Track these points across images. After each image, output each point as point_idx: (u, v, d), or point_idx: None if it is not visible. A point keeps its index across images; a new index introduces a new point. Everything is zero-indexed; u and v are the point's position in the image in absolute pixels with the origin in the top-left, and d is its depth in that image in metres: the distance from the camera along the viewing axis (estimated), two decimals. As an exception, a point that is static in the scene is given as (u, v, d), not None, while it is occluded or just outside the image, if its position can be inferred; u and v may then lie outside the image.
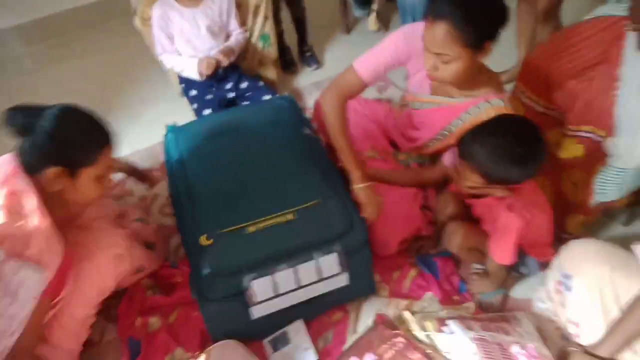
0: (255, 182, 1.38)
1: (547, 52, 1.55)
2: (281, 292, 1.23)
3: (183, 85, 2.09)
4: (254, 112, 1.66)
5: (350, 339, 1.34)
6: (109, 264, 1.28)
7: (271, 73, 2.30)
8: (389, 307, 1.41)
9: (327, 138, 1.73)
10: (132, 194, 1.89)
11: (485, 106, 1.32)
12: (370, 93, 2.28)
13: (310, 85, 2.40)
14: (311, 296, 1.27)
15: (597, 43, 1.40)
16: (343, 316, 1.44)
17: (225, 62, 1.95)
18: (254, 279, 1.20)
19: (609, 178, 1.34)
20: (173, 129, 1.65)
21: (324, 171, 1.44)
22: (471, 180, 1.26)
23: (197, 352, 1.35)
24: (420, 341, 1.18)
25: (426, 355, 1.13)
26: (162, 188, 1.90)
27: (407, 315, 1.26)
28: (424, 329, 1.20)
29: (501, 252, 1.31)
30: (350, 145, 1.39)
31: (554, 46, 1.54)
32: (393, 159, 1.71)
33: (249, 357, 1.28)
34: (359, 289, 1.42)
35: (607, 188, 1.35)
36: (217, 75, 2.01)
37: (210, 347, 1.33)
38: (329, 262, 1.25)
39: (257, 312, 1.24)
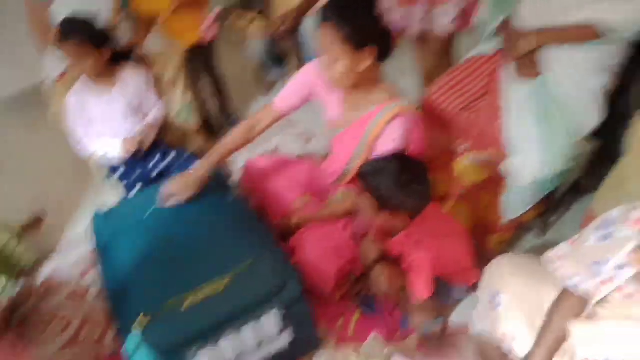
0: (186, 254, 1.40)
1: (441, 89, 1.70)
2: (233, 356, 1.24)
3: (109, 168, 2.08)
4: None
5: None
6: None
7: (197, 142, 2.34)
8: (337, 357, 1.42)
9: (258, 200, 1.78)
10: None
11: (385, 111, 1.41)
12: (296, 145, 2.38)
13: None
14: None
15: (479, 78, 1.56)
16: (292, 374, 1.43)
17: (147, 141, 1.97)
18: (199, 349, 1.20)
19: (511, 196, 1.46)
20: (99, 215, 1.64)
21: (253, 231, 1.48)
22: (371, 210, 1.34)
23: None
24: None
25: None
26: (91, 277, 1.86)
27: (352, 358, 1.29)
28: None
29: (420, 288, 1.37)
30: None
31: (445, 83, 1.69)
32: (320, 204, 1.76)
33: None
34: (304, 346, 1.43)
35: (511, 205, 1.47)
36: (140, 154, 2.02)
37: None
38: (270, 318, 1.27)
39: None
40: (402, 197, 1.31)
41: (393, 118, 1.40)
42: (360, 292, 1.63)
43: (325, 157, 1.97)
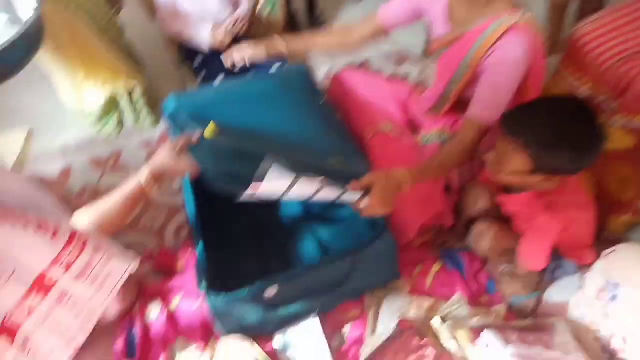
0: (273, 138, 1.21)
1: (596, 30, 1.39)
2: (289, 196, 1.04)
3: (184, 53, 1.88)
4: (267, 80, 1.49)
5: (369, 341, 1.22)
6: None
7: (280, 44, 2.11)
8: (412, 306, 1.29)
9: (343, 113, 1.60)
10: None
11: (501, 22, 1.17)
12: (387, 64, 2.13)
13: (322, 55, 2.21)
14: (320, 198, 1.08)
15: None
16: (360, 314, 1.31)
17: (235, 32, 1.75)
18: (277, 162, 0.96)
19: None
20: (176, 97, 1.46)
21: (343, 135, 1.32)
22: (514, 165, 1.11)
23: (203, 345, 1.24)
24: (452, 354, 1.06)
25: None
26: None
27: (436, 323, 1.14)
28: (455, 339, 1.08)
29: (533, 257, 1.19)
30: None
31: (603, 24, 1.39)
32: (410, 137, 1.56)
33: (258, 355, 1.17)
34: (382, 273, 1.30)
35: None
36: (225, 45, 1.81)
37: (217, 341, 1.22)
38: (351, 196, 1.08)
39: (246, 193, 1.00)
40: (571, 157, 1.05)
41: (510, 30, 1.15)
42: (444, 244, 1.47)
43: (418, 85, 1.75)
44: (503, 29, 1.15)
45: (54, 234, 0.74)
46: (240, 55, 1.51)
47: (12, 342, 0.73)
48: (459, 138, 1.26)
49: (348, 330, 1.28)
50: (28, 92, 1.96)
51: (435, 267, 1.41)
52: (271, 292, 1.09)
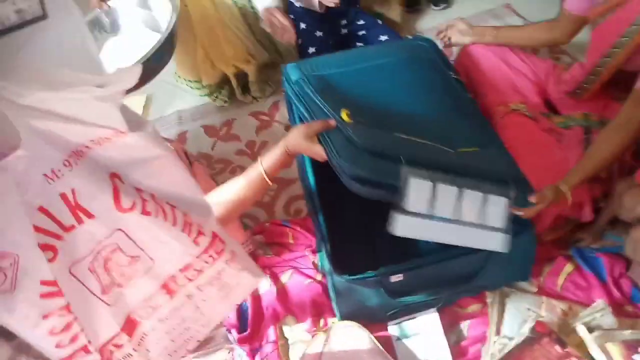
0: (399, 114, 1.14)
1: None
2: (435, 212, 0.96)
3: (291, 16, 1.82)
4: (391, 50, 1.38)
5: (493, 342, 1.13)
6: None
7: (394, 11, 1.99)
8: (542, 308, 1.17)
9: (472, 90, 1.47)
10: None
11: None
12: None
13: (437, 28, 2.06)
14: (461, 242, 1.00)
15: None
16: (481, 309, 1.22)
17: None
18: (414, 175, 0.93)
19: None
20: (297, 66, 1.40)
21: (476, 119, 1.19)
22: None
23: (312, 325, 1.22)
24: (602, 369, 0.94)
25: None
26: (271, 134, 1.74)
27: (582, 331, 1.02)
28: (603, 353, 0.95)
29: None
30: None
31: None
32: (546, 119, 1.40)
33: (373, 343, 1.12)
34: (511, 273, 1.18)
35: None
36: (335, 9, 1.73)
37: (330, 326, 1.19)
38: (496, 206, 0.98)
39: (400, 224, 0.94)
40: None
41: None
42: (578, 242, 1.31)
43: (558, 63, 1.56)
44: None
45: (198, 235, 0.69)
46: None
47: (131, 337, 0.71)
48: (622, 119, 1.09)
49: (467, 326, 1.19)
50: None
51: (568, 268, 1.26)
52: (397, 278, 1.03)
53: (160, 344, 0.74)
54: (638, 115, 1.07)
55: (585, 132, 1.33)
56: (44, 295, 0.60)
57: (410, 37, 1.50)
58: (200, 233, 0.70)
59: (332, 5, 1.64)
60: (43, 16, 0.58)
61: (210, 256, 0.71)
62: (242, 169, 1.65)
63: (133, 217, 0.63)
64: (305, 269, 1.34)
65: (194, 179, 0.71)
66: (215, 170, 1.66)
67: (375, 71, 1.26)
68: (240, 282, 0.75)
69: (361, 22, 1.82)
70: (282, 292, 1.30)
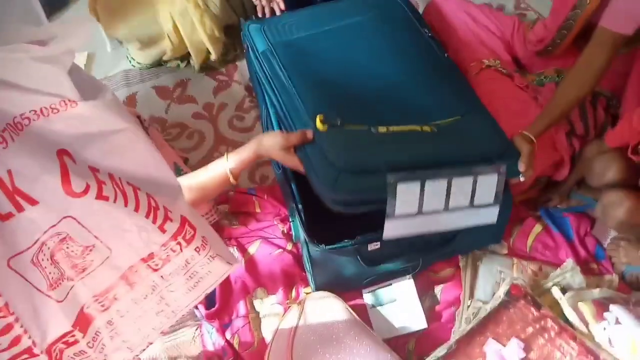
0: (374, 87, 1.08)
1: None
2: (425, 209, 0.93)
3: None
4: (359, 6, 1.29)
5: (467, 306, 1.13)
6: None
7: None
8: (513, 269, 1.18)
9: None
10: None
11: None
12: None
13: None
14: (454, 227, 0.99)
15: None
16: (454, 273, 1.21)
17: None
18: (400, 180, 0.88)
19: None
20: (255, 22, 1.30)
21: (455, 81, 1.13)
22: None
23: (284, 297, 1.17)
24: (575, 328, 0.96)
25: (588, 350, 0.91)
26: (230, 96, 1.62)
27: (555, 292, 1.03)
28: (577, 312, 0.97)
29: None
30: None
31: None
32: (520, 76, 1.38)
33: (349, 313, 1.09)
34: (485, 237, 1.18)
35: None
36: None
37: (304, 297, 1.15)
38: (487, 185, 0.95)
39: (389, 230, 0.93)
40: None
41: None
42: (547, 202, 1.32)
43: (521, 20, 1.53)
44: None
45: (164, 221, 0.61)
46: None
47: (85, 333, 0.62)
48: (584, 59, 1.09)
49: (440, 290, 1.19)
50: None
51: (537, 228, 1.27)
52: (374, 247, 0.99)
53: (118, 339, 0.66)
54: (599, 54, 1.07)
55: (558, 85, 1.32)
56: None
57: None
58: (167, 218, 0.61)
59: None
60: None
61: (178, 244, 0.63)
62: (199, 133, 1.54)
63: (86, 202, 0.54)
64: (274, 238, 1.27)
65: (160, 154, 0.61)
66: (170, 136, 1.53)
67: (346, 33, 1.18)
68: (212, 269, 0.68)
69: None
70: (251, 264, 1.23)
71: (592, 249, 1.25)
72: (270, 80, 1.10)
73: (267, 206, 1.34)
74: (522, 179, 0.98)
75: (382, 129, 0.95)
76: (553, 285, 1.07)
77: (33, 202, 0.52)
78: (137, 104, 1.63)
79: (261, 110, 1.31)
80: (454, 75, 1.14)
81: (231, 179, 0.94)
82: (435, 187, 0.91)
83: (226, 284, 1.21)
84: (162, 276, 0.64)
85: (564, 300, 0.99)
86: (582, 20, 1.21)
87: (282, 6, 1.40)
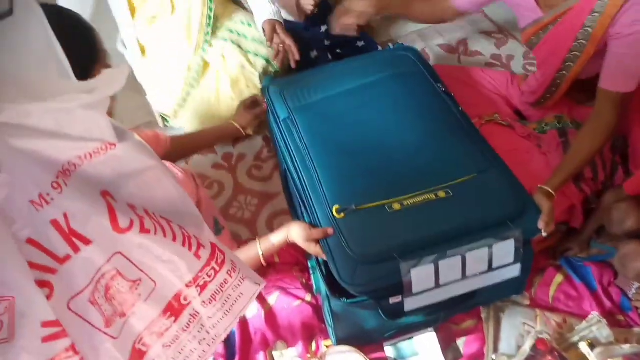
0: (389, 151, 1.11)
1: None
2: (442, 283, 0.96)
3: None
4: (373, 64, 1.35)
5: (491, 359, 1.10)
6: None
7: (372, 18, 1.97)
8: (537, 321, 1.16)
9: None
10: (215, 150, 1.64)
11: None
12: (487, 48, 1.93)
13: (413, 35, 2.05)
14: (475, 288, 1.02)
15: None
16: (476, 325, 1.19)
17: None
18: (414, 267, 0.92)
19: None
20: (273, 82, 1.36)
21: (471, 137, 1.15)
22: None
23: (307, 355, 1.16)
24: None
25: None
26: (249, 147, 1.66)
27: (584, 348, 1.01)
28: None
29: None
30: None
31: None
32: (522, 126, 1.40)
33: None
34: (507, 288, 1.16)
35: None
36: (312, 16, 1.68)
37: (325, 351, 1.13)
38: (504, 250, 0.96)
39: (410, 304, 0.98)
40: None
41: None
42: (567, 251, 1.31)
43: (515, 74, 1.59)
44: None
45: (198, 248, 0.64)
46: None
47: None
48: (594, 117, 1.14)
49: (463, 343, 1.17)
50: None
51: (559, 278, 1.26)
52: (395, 299, 0.99)
53: None
54: (608, 111, 1.12)
55: (561, 134, 1.36)
56: (46, 339, 0.52)
57: (391, 45, 1.46)
58: (200, 246, 0.64)
59: (308, 11, 1.60)
60: (9, 11, 0.49)
61: (213, 269, 0.66)
62: (219, 184, 1.57)
63: (132, 237, 0.57)
64: (293, 289, 1.28)
65: (183, 189, 0.65)
66: (191, 186, 1.57)
67: (362, 94, 1.23)
68: (243, 291, 0.70)
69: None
70: (270, 316, 1.23)
71: (618, 300, 1.22)
72: (291, 153, 1.16)
73: (285, 255, 1.34)
74: (544, 234, 0.99)
75: (396, 206, 0.99)
76: (580, 339, 1.04)
77: (87, 242, 0.54)
78: (159, 155, 1.67)
79: (280, 163, 1.35)
80: (470, 130, 1.17)
81: (263, 262, 1.05)
82: (450, 263, 0.94)
83: (246, 335, 1.20)
84: (202, 302, 0.66)
85: (592, 357, 0.97)
86: (569, 79, 1.27)
87: (297, 57, 1.45)
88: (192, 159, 1.64)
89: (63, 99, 0.51)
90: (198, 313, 0.66)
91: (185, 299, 0.64)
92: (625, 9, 1.06)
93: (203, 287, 0.65)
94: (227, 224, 1.36)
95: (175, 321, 0.65)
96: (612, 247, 1.25)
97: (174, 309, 0.64)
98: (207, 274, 0.65)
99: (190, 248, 0.63)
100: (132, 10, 1.47)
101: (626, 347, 1.00)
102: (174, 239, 0.61)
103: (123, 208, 0.57)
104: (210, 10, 1.53)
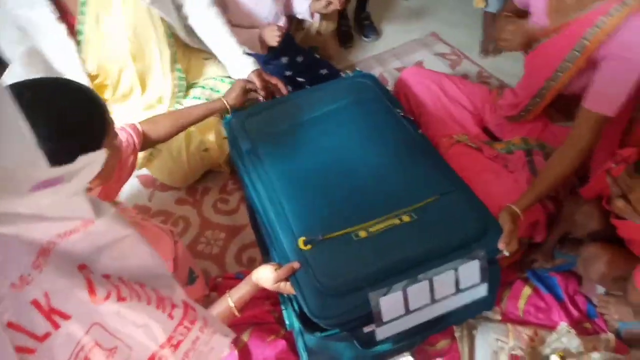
0: (353, 178, 1.12)
1: None
2: (412, 308, 0.97)
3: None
4: (332, 92, 1.36)
5: (469, 378, 1.11)
6: None
7: (330, 46, 2.01)
8: (509, 337, 1.17)
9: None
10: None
11: (620, 5, 1.06)
12: (441, 66, 2.00)
13: (370, 59, 2.10)
14: (445, 312, 1.02)
15: None
16: (450, 345, 1.20)
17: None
18: (383, 295, 0.93)
19: None
20: (234, 114, 1.36)
21: (431, 160, 1.17)
22: None
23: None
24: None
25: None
26: (213, 179, 1.64)
27: (556, 360, 1.02)
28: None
29: None
30: None
31: None
32: (489, 147, 1.44)
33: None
34: (477, 305, 1.17)
35: None
36: (275, 49, 1.70)
37: (301, 386, 1.11)
38: (469, 271, 0.98)
39: (381, 333, 0.98)
40: None
41: (637, 11, 1.04)
42: (532, 263, 1.34)
43: (492, 89, 1.63)
44: (628, 10, 1.04)
45: (172, 309, 0.64)
46: None
47: None
48: (573, 139, 1.14)
49: (439, 364, 1.17)
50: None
51: (527, 290, 1.28)
52: (369, 328, 0.98)
53: None
54: (584, 135, 1.12)
55: (527, 154, 1.39)
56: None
57: (349, 73, 1.48)
58: (173, 306, 0.65)
59: (274, 43, 1.61)
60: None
61: (185, 327, 0.67)
62: (184, 219, 1.54)
63: (109, 307, 0.57)
64: (266, 324, 1.25)
65: (155, 251, 0.65)
66: (155, 224, 1.53)
67: (325, 122, 1.25)
68: (214, 346, 0.71)
69: (300, 58, 1.81)
70: (245, 353, 1.20)
71: (584, 307, 1.25)
72: (256, 186, 1.15)
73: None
74: (506, 254, 1.01)
75: (362, 233, 1.00)
76: (551, 352, 1.06)
77: (67, 317, 0.54)
78: (121, 193, 1.63)
79: (246, 195, 1.34)
80: (429, 153, 1.19)
81: (236, 313, 1.03)
82: (418, 289, 0.95)
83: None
84: None
85: (563, 368, 0.98)
86: (555, 90, 1.28)
87: (285, 92, 1.43)
88: (155, 196, 1.61)
89: (49, 191, 0.51)
90: None
91: (161, 359, 0.64)
92: (622, 28, 1.07)
93: (176, 346, 0.66)
94: (196, 262, 1.34)
95: None
96: (575, 256, 1.29)
97: None
98: (180, 333, 0.66)
99: (164, 310, 0.64)
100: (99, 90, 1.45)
101: (596, 356, 1.02)
102: (148, 302, 0.61)
103: (100, 279, 0.57)
104: (181, 79, 1.54)
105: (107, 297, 0.57)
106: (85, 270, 0.56)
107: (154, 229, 1.09)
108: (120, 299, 0.58)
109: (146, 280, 0.63)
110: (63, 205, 0.52)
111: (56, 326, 0.53)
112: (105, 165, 0.88)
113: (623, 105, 1.10)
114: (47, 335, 0.53)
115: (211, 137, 1.54)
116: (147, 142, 1.20)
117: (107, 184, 1.07)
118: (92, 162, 0.51)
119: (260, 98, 1.41)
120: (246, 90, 1.36)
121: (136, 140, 1.14)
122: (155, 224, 1.14)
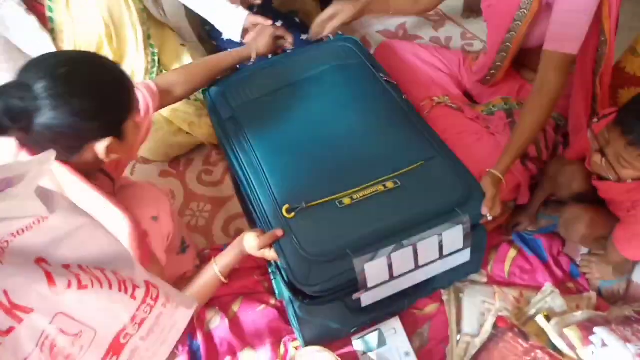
0: (336, 144, 1.11)
1: None
2: (396, 274, 0.98)
3: (208, 28, 1.70)
4: (314, 57, 1.33)
5: (456, 341, 1.13)
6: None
7: (310, 9, 1.94)
8: (497, 298, 1.19)
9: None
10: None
11: None
12: (425, 31, 1.96)
13: (352, 23, 2.03)
14: (429, 277, 1.04)
15: None
16: (438, 308, 1.22)
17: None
18: (368, 261, 0.93)
19: None
20: (217, 83, 1.32)
21: (415, 125, 1.16)
22: (634, 170, 0.98)
23: (272, 354, 1.14)
24: (564, 355, 0.97)
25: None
26: (196, 151, 1.60)
27: (540, 321, 1.05)
28: (562, 338, 0.99)
29: (634, 248, 1.08)
30: None
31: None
32: (470, 108, 1.43)
33: (341, 364, 1.07)
34: (464, 268, 1.19)
35: None
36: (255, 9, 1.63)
37: (294, 354, 1.12)
38: (453, 237, 0.98)
39: (367, 299, 1.00)
40: None
41: None
42: (517, 226, 1.36)
43: (467, 53, 1.61)
44: None
45: (134, 289, 0.67)
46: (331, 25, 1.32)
47: None
48: (539, 85, 1.11)
49: (427, 328, 1.19)
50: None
51: (512, 253, 1.31)
52: (358, 294, 0.99)
53: None
54: (552, 77, 1.10)
55: (508, 115, 1.38)
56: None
57: (331, 37, 1.44)
58: (135, 287, 0.68)
59: (256, 1, 1.55)
60: None
61: (148, 305, 0.70)
62: (169, 192, 1.51)
63: (71, 296, 0.58)
64: (256, 294, 1.25)
65: (113, 235, 0.67)
66: (138, 198, 1.50)
67: (307, 87, 1.22)
68: (177, 319, 0.74)
69: (278, 23, 1.75)
70: (235, 323, 1.21)
71: (567, 268, 1.28)
72: (237, 154, 1.13)
73: (246, 260, 1.31)
74: (489, 218, 1.01)
75: (346, 200, 0.99)
76: (536, 312, 1.09)
77: (29, 311, 0.55)
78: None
79: (230, 164, 1.31)
80: (414, 118, 1.17)
81: (223, 280, 1.05)
82: (402, 255, 0.95)
83: (211, 347, 1.17)
84: (140, 338, 0.68)
85: (549, 328, 1.01)
86: (517, 41, 1.27)
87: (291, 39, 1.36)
88: (137, 169, 1.57)
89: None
90: (138, 348, 0.69)
91: (125, 337, 0.67)
92: None
93: (140, 324, 0.68)
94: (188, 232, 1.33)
95: (117, 359, 0.67)
96: (558, 217, 1.31)
97: (115, 348, 0.66)
98: (143, 311, 0.68)
99: (125, 291, 0.65)
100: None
101: (578, 314, 1.05)
102: (110, 286, 0.63)
103: (59, 270, 0.58)
104: (154, 55, 1.50)
105: (68, 286, 0.58)
106: (43, 264, 0.57)
107: (153, 190, 1.06)
108: (82, 287, 0.59)
109: (106, 264, 0.64)
110: (14, 207, 0.53)
111: (19, 320, 0.54)
112: (127, 142, 0.89)
113: (582, 42, 1.08)
114: (10, 329, 0.54)
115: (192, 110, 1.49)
116: (165, 101, 1.14)
117: (127, 160, 1.08)
118: (40, 164, 0.51)
119: (289, 45, 1.34)
120: (276, 36, 1.30)
121: (150, 102, 1.06)
122: (152, 184, 1.10)
